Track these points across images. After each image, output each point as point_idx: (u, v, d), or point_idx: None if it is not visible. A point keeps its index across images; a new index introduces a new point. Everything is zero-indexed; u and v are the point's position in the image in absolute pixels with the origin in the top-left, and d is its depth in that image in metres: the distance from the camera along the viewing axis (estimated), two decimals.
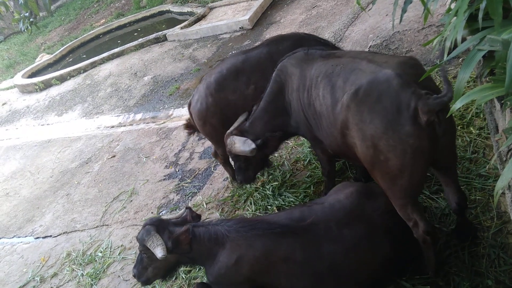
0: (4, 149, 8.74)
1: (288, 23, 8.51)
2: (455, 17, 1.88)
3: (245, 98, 4.04)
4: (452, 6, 2.00)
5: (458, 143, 3.87)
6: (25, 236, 5.70)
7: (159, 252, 2.92)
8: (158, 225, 3.06)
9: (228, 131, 3.77)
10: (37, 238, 5.56)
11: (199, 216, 3.32)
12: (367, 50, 6.08)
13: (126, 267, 4.39)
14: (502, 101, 2.35)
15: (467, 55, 1.82)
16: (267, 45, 4.14)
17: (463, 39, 1.95)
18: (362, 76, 2.67)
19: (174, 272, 3.43)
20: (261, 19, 9.29)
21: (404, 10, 2.31)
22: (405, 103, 2.41)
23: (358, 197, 2.99)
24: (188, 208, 3.29)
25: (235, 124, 3.80)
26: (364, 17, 7.19)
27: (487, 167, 3.50)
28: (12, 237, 5.78)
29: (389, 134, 2.46)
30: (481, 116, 3.99)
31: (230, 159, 4.21)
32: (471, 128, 3.92)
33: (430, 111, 2.35)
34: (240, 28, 9.18)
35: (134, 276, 3.25)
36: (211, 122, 4.28)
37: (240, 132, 3.71)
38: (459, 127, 4.01)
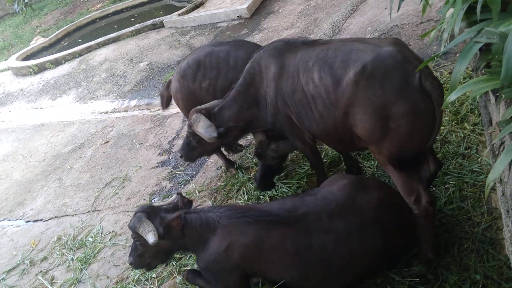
0: None
1: (286, 13, 8.45)
2: (452, 9, 1.86)
3: (202, 90, 4.21)
4: None
5: (452, 138, 3.88)
6: (16, 219, 5.66)
7: (150, 237, 2.93)
8: (149, 212, 3.07)
9: (198, 107, 3.77)
10: (28, 221, 5.53)
11: (190, 202, 3.32)
12: None
13: (117, 252, 4.39)
14: (497, 94, 2.35)
15: (464, 47, 1.81)
16: (230, 46, 4.24)
17: (461, 32, 1.94)
18: (364, 54, 2.78)
19: (169, 259, 3.44)
20: (260, 8, 9.23)
21: None
22: (412, 73, 2.61)
23: (351, 189, 2.99)
24: (179, 194, 3.28)
25: (207, 104, 3.80)
26: (363, 9, 7.16)
27: (479, 160, 3.52)
28: (3, 220, 5.74)
29: (402, 101, 2.62)
30: (476, 112, 4.00)
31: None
32: (465, 124, 3.93)
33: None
34: (238, 16, 9.11)
35: (131, 264, 3.26)
36: (180, 105, 4.50)
37: (208, 113, 3.70)
38: (453, 123, 4.02)
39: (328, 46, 3.06)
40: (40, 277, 4.44)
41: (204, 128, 3.61)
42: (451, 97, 1.78)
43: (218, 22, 9.34)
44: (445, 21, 2.00)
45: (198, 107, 3.78)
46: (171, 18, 10.09)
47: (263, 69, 3.43)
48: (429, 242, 2.96)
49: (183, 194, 3.44)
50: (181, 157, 4.17)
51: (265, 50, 3.47)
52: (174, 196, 3.29)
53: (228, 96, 3.71)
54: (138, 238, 3.08)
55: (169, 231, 2.99)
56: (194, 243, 3.06)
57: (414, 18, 6.03)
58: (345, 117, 2.89)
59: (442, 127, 4.02)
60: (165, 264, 3.83)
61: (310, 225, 2.86)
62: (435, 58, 4.83)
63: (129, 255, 3.25)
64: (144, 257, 3.20)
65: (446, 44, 2.05)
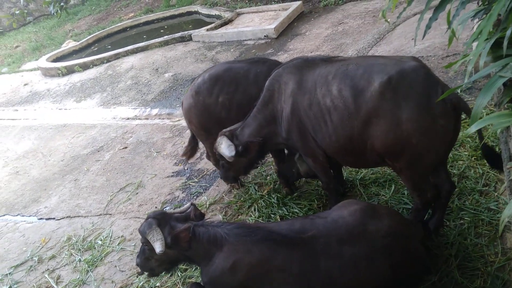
0: (20, 128, 8.88)
1: (313, 36, 8.53)
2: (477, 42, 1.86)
3: (218, 104, 4.22)
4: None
5: (470, 174, 3.82)
6: (29, 216, 5.75)
7: (157, 246, 2.94)
8: (160, 219, 3.08)
9: (224, 130, 3.87)
10: (41, 219, 5.60)
11: (202, 215, 3.31)
12: None
13: (124, 258, 4.40)
14: None
15: (488, 81, 1.80)
16: (250, 63, 4.30)
17: (486, 66, 1.93)
18: (387, 68, 2.87)
19: (176, 267, 3.44)
20: (287, 29, 9.33)
21: (428, 26, 2.32)
22: (434, 88, 2.76)
23: (362, 215, 2.94)
24: (193, 204, 3.29)
25: (232, 126, 3.89)
26: (389, 38, 7.18)
27: (497, 198, 3.44)
28: (16, 215, 5.84)
29: (423, 115, 2.75)
30: (497, 149, 3.93)
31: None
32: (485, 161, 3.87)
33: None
34: (265, 36, 9.23)
35: (137, 265, 3.29)
36: (193, 122, 4.49)
37: (231, 135, 3.79)
38: (472, 158, 3.97)
39: (348, 61, 3.15)
40: (46, 275, 4.48)
41: (225, 149, 3.71)
42: (471, 129, 1.76)
43: (245, 40, 9.48)
44: (471, 54, 2.00)
45: (224, 130, 3.86)
46: (200, 33, 10.28)
47: (282, 85, 3.49)
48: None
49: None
50: (221, 177, 4.30)
51: (284, 68, 3.54)
52: (188, 205, 3.29)
53: (249, 115, 3.76)
54: (146, 243, 3.10)
55: (177, 242, 2.99)
56: (200, 257, 3.05)
57: (440, 51, 6.02)
58: (364, 127, 2.96)
59: (460, 162, 3.97)
60: (170, 274, 3.83)
61: (317, 248, 2.82)
62: (459, 90, 4.80)
63: (137, 257, 3.28)
64: (151, 262, 3.21)
65: (471, 76, 2.04)
